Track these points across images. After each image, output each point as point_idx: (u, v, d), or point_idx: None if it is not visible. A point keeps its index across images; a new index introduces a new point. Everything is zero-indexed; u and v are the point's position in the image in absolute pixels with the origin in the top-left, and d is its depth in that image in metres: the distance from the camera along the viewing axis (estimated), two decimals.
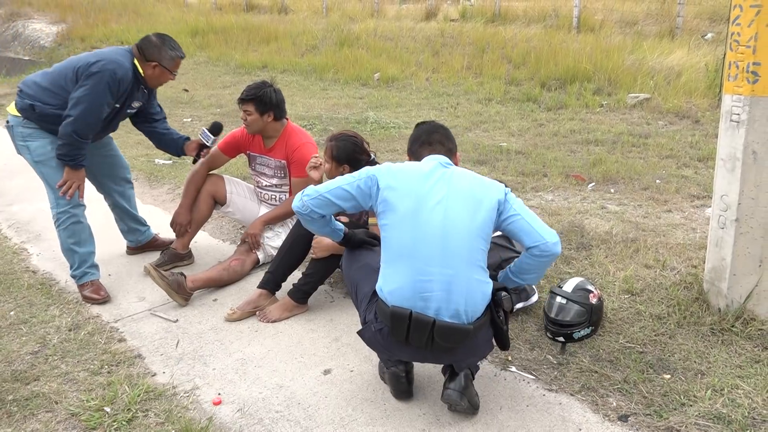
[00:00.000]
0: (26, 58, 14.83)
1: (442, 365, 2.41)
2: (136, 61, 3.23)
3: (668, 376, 2.42)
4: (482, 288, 2.18)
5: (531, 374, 2.51)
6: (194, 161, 3.65)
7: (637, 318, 2.80)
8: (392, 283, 2.17)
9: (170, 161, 5.91)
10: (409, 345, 2.18)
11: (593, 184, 4.70)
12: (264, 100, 3.47)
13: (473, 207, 2.18)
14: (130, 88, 3.23)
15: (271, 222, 3.65)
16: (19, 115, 3.20)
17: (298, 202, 2.32)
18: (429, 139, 2.43)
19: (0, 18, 17.92)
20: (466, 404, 2.23)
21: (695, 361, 2.50)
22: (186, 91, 9.61)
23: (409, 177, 2.25)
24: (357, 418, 2.31)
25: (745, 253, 2.63)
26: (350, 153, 3.06)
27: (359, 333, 2.35)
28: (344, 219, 3.13)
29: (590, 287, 2.73)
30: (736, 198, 2.59)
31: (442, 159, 2.33)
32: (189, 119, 7.67)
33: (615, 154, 5.38)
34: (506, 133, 6.52)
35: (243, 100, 3.48)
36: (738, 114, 2.53)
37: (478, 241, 2.17)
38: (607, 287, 3.07)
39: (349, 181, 2.29)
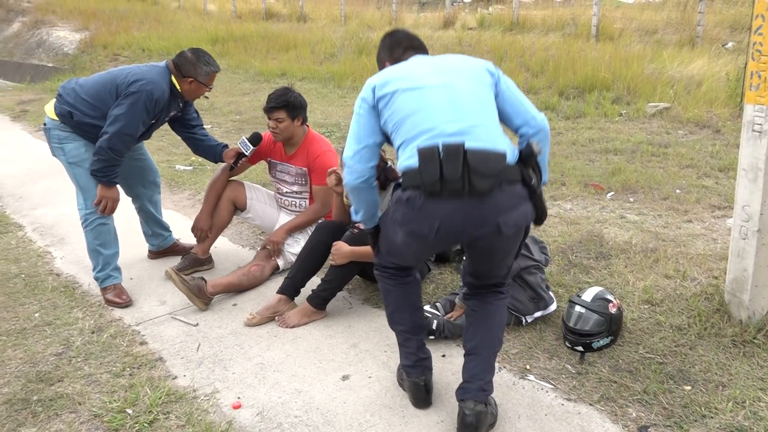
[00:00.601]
0: (50, 65, 15.08)
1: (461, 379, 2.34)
2: (173, 77, 3.30)
3: (689, 388, 2.40)
4: (504, 137, 2.09)
5: (549, 383, 2.51)
6: (231, 168, 3.71)
7: (657, 328, 2.79)
8: (412, 148, 2.05)
9: (190, 167, 5.98)
10: (446, 196, 1.97)
11: (612, 193, 4.68)
12: (295, 105, 3.52)
13: (470, 71, 2.18)
14: (167, 105, 3.31)
15: (293, 230, 3.68)
16: (57, 119, 3.27)
17: (348, 175, 2.23)
18: (412, 44, 2.39)
19: (25, 26, 18.26)
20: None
21: (716, 373, 2.48)
22: (206, 98, 9.70)
23: (396, 69, 2.25)
24: (375, 424, 2.32)
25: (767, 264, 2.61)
26: None
27: (382, 226, 2.28)
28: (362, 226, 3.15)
29: (609, 297, 2.72)
30: (758, 208, 2.57)
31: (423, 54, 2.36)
32: (209, 126, 7.74)
33: (634, 164, 5.35)
34: None
35: (274, 108, 3.49)
36: (760, 124, 2.52)
37: (485, 100, 2.13)
38: (626, 297, 3.06)
39: (354, 118, 2.24)
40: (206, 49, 3.54)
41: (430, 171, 1.97)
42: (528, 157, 2.08)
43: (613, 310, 2.66)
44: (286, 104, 3.49)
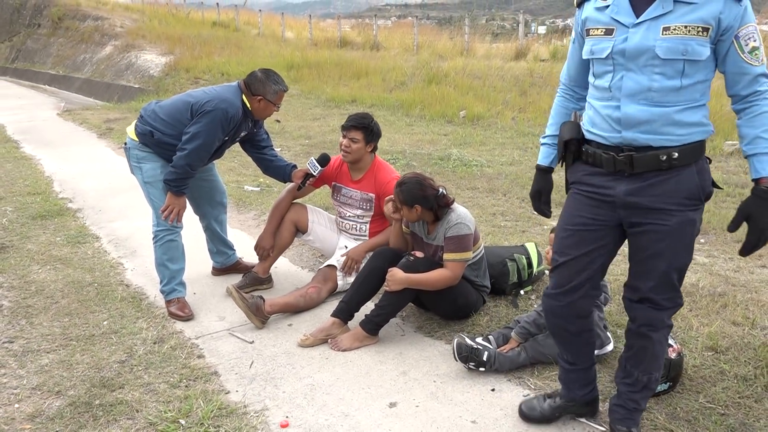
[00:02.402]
0: (136, 86, 15.97)
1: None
2: (243, 96, 3.45)
3: None
4: None
5: (602, 426, 2.42)
6: (299, 188, 3.82)
7: (720, 377, 2.65)
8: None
9: (258, 188, 6.18)
10: None
11: None
12: (373, 131, 3.61)
13: None
14: (239, 123, 3.46)
15: (372, 249, 3.62)
16: (137, 139, 3.48)
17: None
18: None
19: (116, 49, 19.46)
20: None
21: None
22: (278, 122, 10.03)
23: None
24: None
25: None
26: (416, 192, 3.08)
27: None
28: (419, 254, 3.17)
29: (670, 341, 2.61)
30: None
31: None
32: (279, 149, 7.98)
33: (707, 204, 5.13)
34: None
35: (353, 127, 3.58)
36: None
37: None
38: (689, 342, 2.93)
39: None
40: (281, 74, 3.68)
41: None
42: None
43: (672, 355, 2.55)
44: (366, 127, 3.58)
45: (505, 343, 2.91)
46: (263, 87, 3.44)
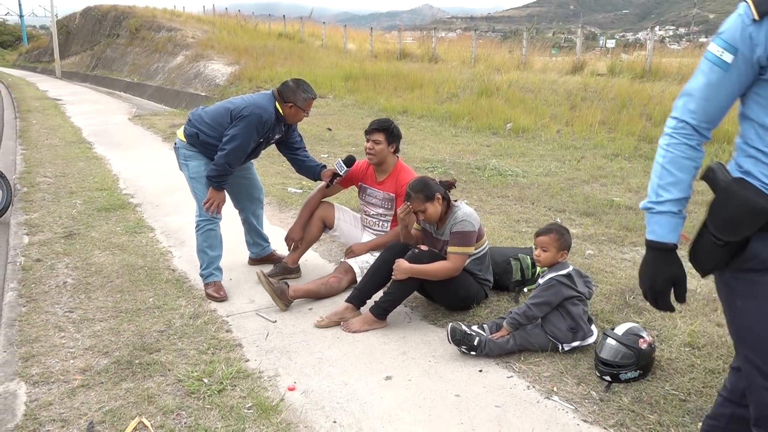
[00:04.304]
0: (203, 94, 16.87)
1: None
2: (276, 103, 3.88)
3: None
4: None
5: (571, 405, 2.68)
6: (327, 186, 4.22)
7: (689, 369, 2.86)
8: None
9: (300, 190, 6.62)
10: None
11: None
12: (393, 132, 4.01)
13: None
14: (273, 126, 3.88)
15: (374, 248, 4.08)
16: (185, 140, 3.96)
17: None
18: None
19: (187, 58, 20.56)
20: None
21: None
22: (329, 130, 10.52)
23: None
24: (402, 417, 2.63)
25: None
26: (429, 183, 3.46)
27: None
28: (424, 247, 3.49)
29: (642, 333, 2.84)
30: None
31: None
32: (326, 155, 8.44)
33: None
34: (624, 188, 6.53)
35: (375, 130, 4.00)
36: None
37: None
38: (670, 338, 3.13)
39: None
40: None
41: None
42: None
43: (643, 346, 2.78)
44: (386, 129, 3.97)
45: (498, 331, 3.19)
46: (294, 95, 3.85)
